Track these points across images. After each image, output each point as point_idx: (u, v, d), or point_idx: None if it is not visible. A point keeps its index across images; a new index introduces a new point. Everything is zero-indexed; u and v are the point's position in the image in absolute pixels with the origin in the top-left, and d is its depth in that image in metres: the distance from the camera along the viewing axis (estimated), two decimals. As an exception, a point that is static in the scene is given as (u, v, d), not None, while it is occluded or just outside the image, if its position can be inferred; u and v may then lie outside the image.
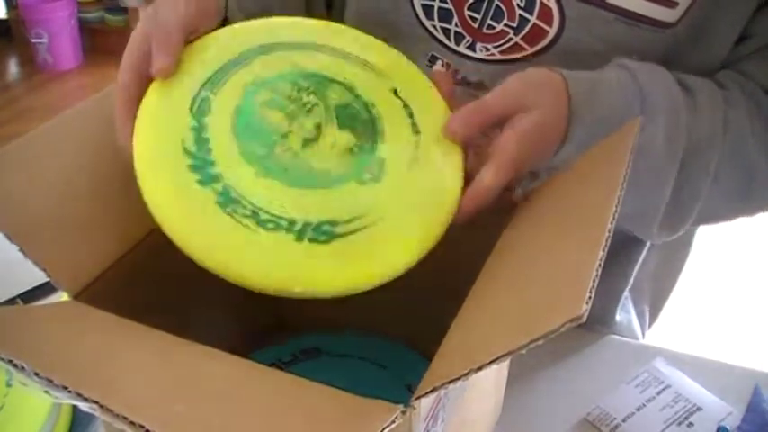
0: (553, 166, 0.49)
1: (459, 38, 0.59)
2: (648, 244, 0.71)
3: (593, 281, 0.29)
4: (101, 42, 3.16)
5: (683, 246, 0.77)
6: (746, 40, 0.55)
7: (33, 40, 2.96)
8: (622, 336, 0.74)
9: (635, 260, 0.71)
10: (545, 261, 0.36)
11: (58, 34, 2.97)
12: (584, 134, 0.48)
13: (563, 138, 0.48)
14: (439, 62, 0.61)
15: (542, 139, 0.46)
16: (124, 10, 3.07)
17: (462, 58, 0.60)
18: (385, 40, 0.55)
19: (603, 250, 0.31)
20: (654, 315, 0.82)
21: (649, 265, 0.74)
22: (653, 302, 0.80)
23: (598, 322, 0.73)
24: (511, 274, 0.38)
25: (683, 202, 0.54)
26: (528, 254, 0.39)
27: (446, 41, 0.60)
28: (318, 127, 0.46)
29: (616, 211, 0.34)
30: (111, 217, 0.44)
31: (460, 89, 0.62)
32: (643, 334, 0.81)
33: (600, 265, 0.30)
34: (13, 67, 3.12)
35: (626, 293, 0.75)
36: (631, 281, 0.74)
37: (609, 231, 0.32)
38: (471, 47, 0.59)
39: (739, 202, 0.56)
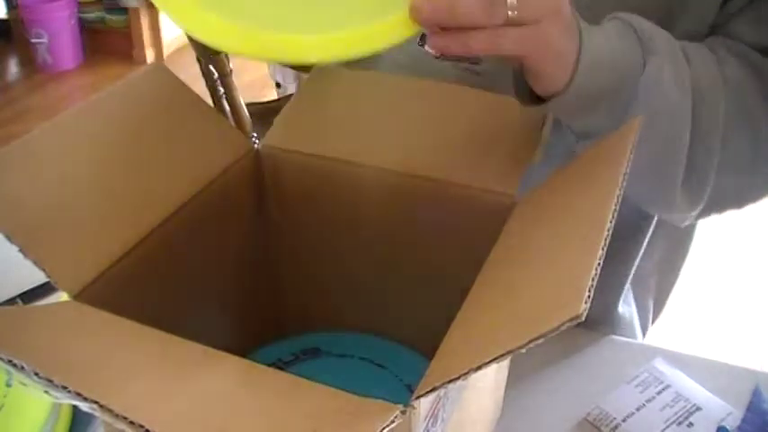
0: (560, 104, 0.49)
1: None
2: (648, 236, 0.70)
3: (593, 280, 0.29)
4: (101, 42, 3.16)
5: (686, 237, 0.77)
6: (732, 0, 0.55)
7: (33, 40, 2.96)
8: (622, 329, 0.74)
9: (634, 255, 0.71)
10: (544, 261, 0.36)
11: (58, 34, 2.97)
12: (588, 58, 0.47)
13: None
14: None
15: None
16: (124, 10, 3.07)
17: None
18: None
19: (603, 249, 0.31)
20: (658, 309, 0.82)
21: (653, 258, 0.73)
22: (657, 296, 0.80)
23: (600, 321, 0.73)
24: (510, 274, 0.38)
25: (698, 161, 0.53)
26: (527, 254, 0.39)
27: None
28: None
29: (615, 210, 0.34)
30: (111, 217, 0.44)
31: (451, 64, 0.62)
32: (646, 329, 0.81)
33: (599, 264, 0.30)
34: (13, 67, 3.12)
35: (627, 286, 0.74)
36: (631, 275, 0.74)
37: (608, 231, 0.32)
38: None
39: (747, 172, 0.56)
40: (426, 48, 0.62)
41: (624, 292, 0.74)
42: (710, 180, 0.55)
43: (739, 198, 0.58)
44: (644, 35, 0.50)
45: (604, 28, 0.50)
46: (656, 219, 0.70)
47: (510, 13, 0.43)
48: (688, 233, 0.76)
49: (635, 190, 0.56)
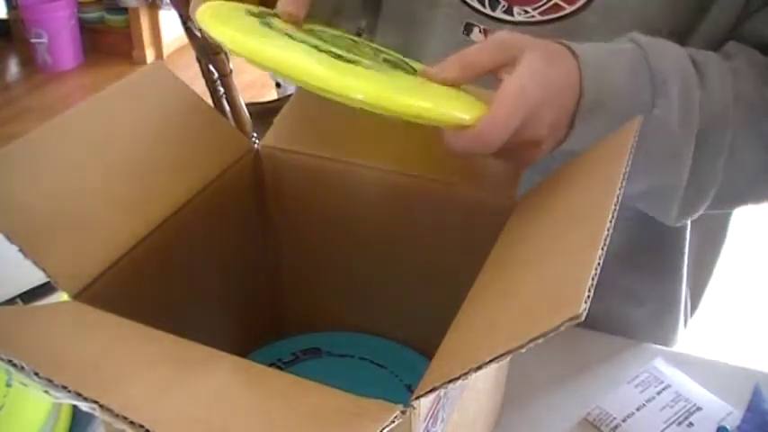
0: (567, 149, 0.49)
1: (494, 4, 0.60)
2: (687, 247, 0.70)
3: (592, 280, 0.29)
4: (101, 42, 3.17)
5: (720, 229, 0.76)
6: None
7: (33, 40, 2.96)
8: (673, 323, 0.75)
9: (681, 255, 0.71)
10: (544, 261, 0.36)
11: (58, 34, 2.97)
12: (593, 102, 0.47)
13: (575, 80, 0.46)
14: (476, 29, 0.61)
15: (546, 67, 0.44)
16: (124, 10, 3.07)
17: (500, 23, 0.60)
18: (421, 10, 0.60)
19: (603, 249, 0.31)
20: (695, 302, 0.81)
21: (690, 252, 0.73)
22: (693, 289, 0.80)
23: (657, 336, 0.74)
24: (510, 274, 0.38)
25: (699, 183, 0.53)
26: (527, 253, 0.39)
27: (481, 8, 0.60)
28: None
29: (615, 210, 0.34)
30: (111, 217, 0.44)
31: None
32: (686, 321, 0.80)
33: (599, 264, 0.30)
34: (13, 67, 3.12)
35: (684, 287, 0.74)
36: (683, 291, 0.74)
37: (608, 231, 0.32)
38: (508, 11, 0.59)
39: (761, 176, 0.56)
40: None
41: (683, 294, 0.74)
42: (708, 200, 0.55)
43: (754, 197, 0.58)
44: (658, 77, 0.49)
45: (620, 62, 0.49)
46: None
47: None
48: (722, 225, 0.76)
49: (632, 201, 0.56)
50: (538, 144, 0.46)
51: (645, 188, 0.53)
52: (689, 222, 0.70)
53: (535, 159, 0.47)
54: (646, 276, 0.71)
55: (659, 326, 0.76)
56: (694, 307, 0.81)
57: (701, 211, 0.56)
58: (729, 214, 0.75)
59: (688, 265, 0.75)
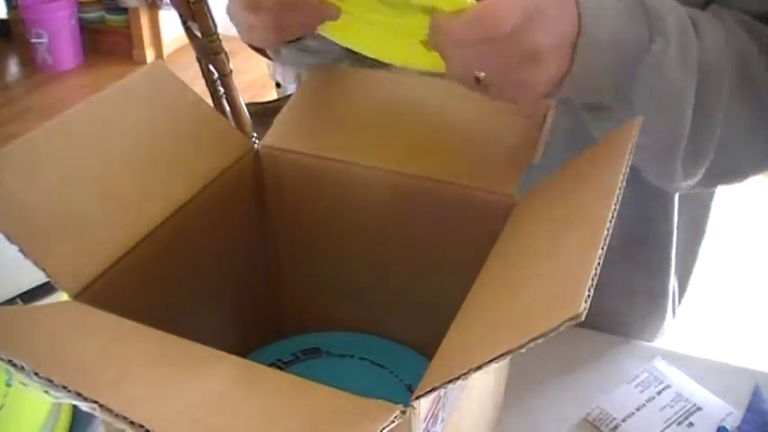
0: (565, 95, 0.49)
1: None
2: (675, 221, 0.70)
3: (592, 280, 0.29)
4: (101, 42, 3.17)
5: (704, 214, 0.76)
6: None
7: (33, 40, 2.96)
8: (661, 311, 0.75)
9: (669, 242, 0.71)
10: (544, 261, 0.36)
11: (57, 34, 2.97)
12: (592, 39, 0.47)
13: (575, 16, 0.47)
14: None
15: None
16: (124, 10, 3.07)
17: None
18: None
19: (603, 249, 0.31)
20: (682, 289, 0.81)
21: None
22: (680, 278, 0.80)
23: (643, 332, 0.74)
24: (510, 274, 0.38)
25: (700, 136, 0.53)
26: (527, 253, 0.39)
27: None
28: None
29: (615, 209, 0.34)
30: (111, 217, 0.44)
31: None
32: (674, 309, 0.80)
33: (599, 264, 0.30)
34: (12, 67, 3.12)
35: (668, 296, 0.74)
36: (671, 283, 0.74)
37: (608, 230, 0.32)
38: None
39: (748, 143, 0.55)
40: None
41: (671, 280, 0.75)
42: (710, 153, 0.54)
43: (745, 169, 0.58)
44: (652, 13, 0.50)
45: (615, 2, 0.49)
46: (677, 202, 0.70)
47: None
48: (705, 209, 0.76)
49: (636, 161, 0.56)
50: (538, 59, 0.45)
51: (648, 142, 0.53)
52: (675, 212, 0.70)
53: (536, 86, 0.47)
54: (636, 271, 0.71)
55: (649, 318, 0.76)
56: (681, 294, 0.81)
57: (700, 173, 0.56)
58: (711, 196, 0.75)
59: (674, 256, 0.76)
